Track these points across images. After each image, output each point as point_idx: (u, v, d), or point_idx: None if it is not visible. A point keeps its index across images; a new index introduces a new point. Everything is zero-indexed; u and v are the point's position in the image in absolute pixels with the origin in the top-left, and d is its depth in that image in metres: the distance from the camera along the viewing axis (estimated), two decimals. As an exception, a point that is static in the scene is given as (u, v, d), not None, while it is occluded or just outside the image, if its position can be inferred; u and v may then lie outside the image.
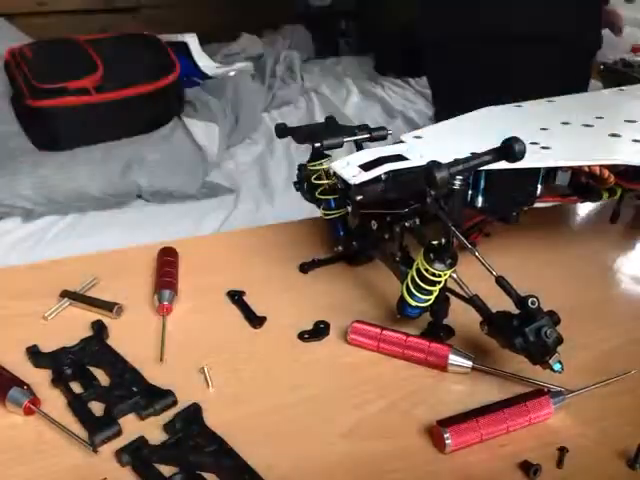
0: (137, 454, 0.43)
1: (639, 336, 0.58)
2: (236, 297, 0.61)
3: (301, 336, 0.56)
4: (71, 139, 1.40)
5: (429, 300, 0.53)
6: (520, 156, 0.46)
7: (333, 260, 0.67)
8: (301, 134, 0.63)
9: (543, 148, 0.60)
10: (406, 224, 0.55)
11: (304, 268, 0.66)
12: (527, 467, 0.43)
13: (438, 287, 0.52)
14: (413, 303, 0.52)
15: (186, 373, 0.52)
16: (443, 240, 0.51)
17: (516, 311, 0.48)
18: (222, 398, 0.49)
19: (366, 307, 0.60)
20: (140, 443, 0.44)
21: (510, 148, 0.46)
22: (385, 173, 0.54)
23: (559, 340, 0.47)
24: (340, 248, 0.66)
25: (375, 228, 0.59)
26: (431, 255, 0.50)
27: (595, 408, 0.49)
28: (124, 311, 0.59)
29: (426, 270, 0.50)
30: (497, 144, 0.49)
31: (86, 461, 0.44)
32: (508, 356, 0.52)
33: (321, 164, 0.63)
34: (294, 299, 0.62)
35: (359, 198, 0.53)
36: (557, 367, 0.47)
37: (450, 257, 0.50)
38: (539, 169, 0.59)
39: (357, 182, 0.53)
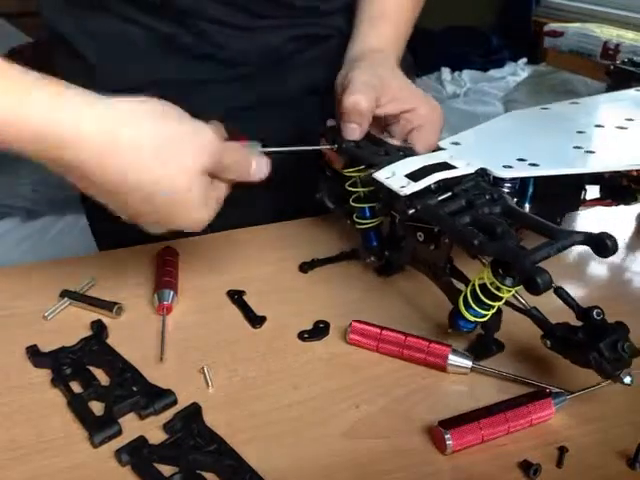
0: (137, 454, 0.43)
1: (639, 336, 0.58)
2: (236, 297, 0.61)
3: (301, 336, 0.56)
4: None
5: (487, 315, 0.50)
6: (612, 252, 0.44)
7: (333, 260, 0.67)
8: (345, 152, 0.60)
9: (588, 152, 0.58)
10: None
11: (304, 268, 0.66)
12: (527, 467, 0.43)
13: (499, 303, 0.49)
14: (471, 318, 0.50)
15: (186, 373, 0.52)
16: None
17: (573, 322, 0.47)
18: (222, 398, 0.49)
19: (366, 307, 0.60)
20: (140, 443, 0.44)
21: (602, 241, 0.45)
22: (435, 183, 0.52)
23: (636, 352, 0.45)
24: (372, 259, 0.63)
25: (422, 240, 0.55)
26: (500, 270, 0.47)
27: (595, 408, 0.49)
28: (124, 311, 0.59)
29: (491, 284, 0.48)
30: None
31: (86, 461, 0.44)
32: (507, 356, 0.53)
33: (357, 170, 0.59)
34: (294, 299, 0.62)
35: (412, 212, 0.50)
36: (627, 380, 0.45)
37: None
38: (584, 174, 0.57)
39: (408, 193, 0.51)
